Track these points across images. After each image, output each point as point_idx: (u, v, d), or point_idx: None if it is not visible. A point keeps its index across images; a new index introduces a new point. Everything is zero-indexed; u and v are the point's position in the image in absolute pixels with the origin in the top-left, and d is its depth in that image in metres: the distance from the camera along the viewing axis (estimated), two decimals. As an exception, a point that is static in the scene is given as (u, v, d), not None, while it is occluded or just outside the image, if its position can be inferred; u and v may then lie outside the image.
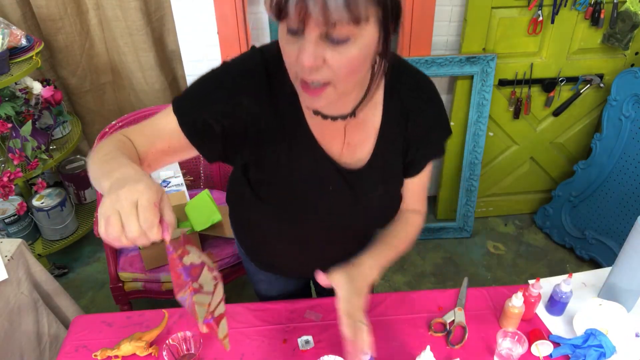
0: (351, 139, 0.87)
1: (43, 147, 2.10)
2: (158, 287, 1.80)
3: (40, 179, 2.17)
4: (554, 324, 1.16)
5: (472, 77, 2.19)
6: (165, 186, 1.95)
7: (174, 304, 1.78)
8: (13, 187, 1.98)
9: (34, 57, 2.00)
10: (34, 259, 1.49)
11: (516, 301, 1.08)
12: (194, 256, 0.71)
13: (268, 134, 0.84)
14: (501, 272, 2.39)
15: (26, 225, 2.20)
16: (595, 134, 2.28)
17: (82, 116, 2.51)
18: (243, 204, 1.03)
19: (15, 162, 1.98)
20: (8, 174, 1.94)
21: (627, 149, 2.13)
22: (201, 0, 1.94)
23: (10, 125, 1.95)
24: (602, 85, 2.26)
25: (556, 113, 2.35)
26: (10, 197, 2.06)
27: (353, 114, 0.83)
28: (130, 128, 0.83)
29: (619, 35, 2.10)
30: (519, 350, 1.02)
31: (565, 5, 2.05)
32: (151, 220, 0.59)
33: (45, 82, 2.20)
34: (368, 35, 0.66)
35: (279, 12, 0.63)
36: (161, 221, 0.62)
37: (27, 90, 2.12)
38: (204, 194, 1.94)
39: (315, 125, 0.85)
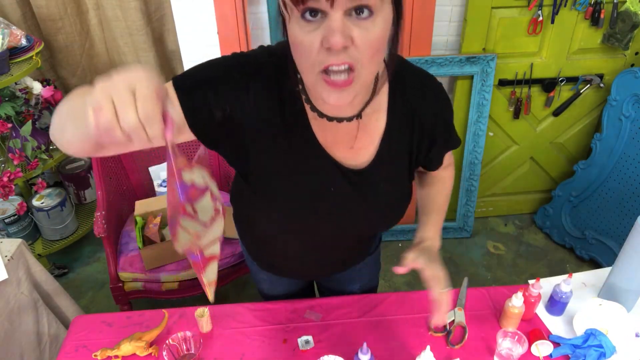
0: (355, 142, 0.86)
1: (43, 147, 2.10)
2: (158, 287, 1.80)
3: (40, 179, 2.17)
4: (554, 324, 1.16)
5: (472, 77, 2.19)
6: (165, 186, 1.94)
7: (174, 304, 1.79)
8: (13, 187, 1.98)
9: (34, 57, 2.00)
10: (34, 259, 1.49)
11: (516, 301, 1.08)
12: (198, 176, 0.59)
13: (270, 131, 0.82)
14: (501, 272, 2.39)
15: (26, 225, 2.20)
16: (595, 134, 2.28)
17: (82, 116, 2.51)
18: (244, 204, 1.03)
19: (15, 162, 1.98)
20: (8, 174, 1.94)
21: (627, 149, 2.13)
22: (201, 0, 1.94)
23: (10, 125, 1.95)
24: (602, 85, 2.26)
25: (556, 113, 2.35)
26: (10, 197, 2.06)
27: (359, 115, 0.82)
28: None
29: (619, 35, 2.10)
30: (519, 350, 1.02)
31: (565, 5, 2.05)
32: (151, 110, 0.50)
33: (45, 82, 2.20)
34: (386, 11, 0.66)
35: None
36: (164, 117, 0.53)
37: (27, 90, 2.12)
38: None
39: (319, 127, 0.84)
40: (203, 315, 1.11)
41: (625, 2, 2.03)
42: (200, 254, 0.60)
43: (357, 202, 0.91)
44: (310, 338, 1.12)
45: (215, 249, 0.63)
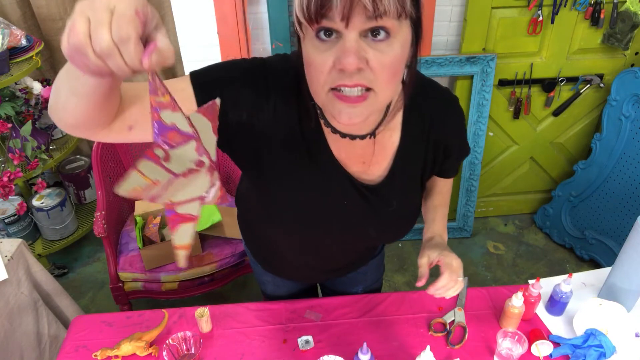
0: (368, 158, 0.85)
1: (43, 147, 2.10)
2: (158, 287, 1.80)
3: (40, 179, 2.17)
4: (554, 324, 1.16)
5: (472, 77, 2.19)
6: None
7: (174, 303, 1.78)
8: (13, 187, 1.98)
9: (34, 57, 2.00)
10: (34, 259, 1.49)
11: (516, 301, 1.08)
12: (182, 119, 0.49)
13: (287, 143, 0.80)
14: (501, 272, 2.39)
15: (26, 225, 2.20)
16: (595, 134, 2.28)
17: (82, 116, 2.51)
18: (251, 209, 1.02)
19: (15, 162, 1.98)
20: (8, 174, 1.94)
21: (627, 149, 2.13)
22: (201, 0, 1.94)
23: (10, 125, 1.95)
24: (602, 85, 2.26)
25: (556, 113, 2.35)
26: (10, 197, 2.06)
27: (373, 134, 0.81)
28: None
29: (619, 35, 2.10)
30: (519, 350, 1.02)
31: (565, 5, 2.05)
32: (126, 30, 0.44)
33: (45, 82, 2.20)
34: (405, 34, 0.63)
35: (321, 8, 0.58)
36: (150, 44, 0.47)
37: (27, 90, 2.12)
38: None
39: (334, 142, 0.83)
40: (203, 316, 1.11)
41: (625, 2, 2.03)
42: (173, 209, 0.52)
43: (368, 217, 0.90)
44: (310, 338, 1.12)
45: (193, 208, 0.53)
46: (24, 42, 1.98)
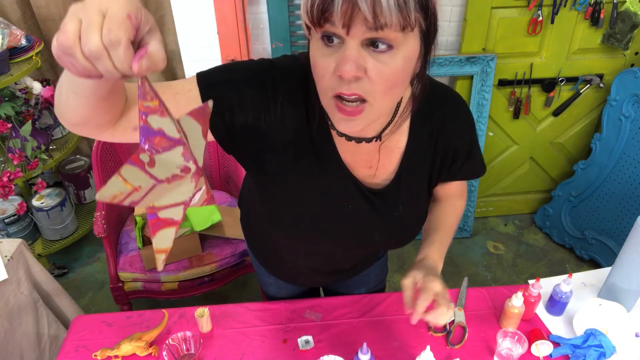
0: (375, 162, 0.85)
1: (43, 147, 2.10)
2: (158, 287, 1.80)
3: (40, 179, 2.17)
4: (554, 324, 1.16)
5: (472, 77, 2.19)
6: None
7: (174, 303, 1.78)
8: (13, 187, 1.98)
9: (34, 57, 2.00)
10: (34, 259, 1.49)
11: (516, 301, 1.08)
12: (170, 125, 0.48)
13: (295, 145, 0.80)
14: (501, 272, 2.39)
15: (26, 225, 2.20)
16: (595, 134, 2.28)
17: (82, 116, 2.51)
18: (254, 211, 1.01)
19: (15, 162, 1.98)
20: (8, 174, 1.94)
21: (627, 149, 2.13)
22: (201, 0, 1.94)
23: (10, 125, 1.95)
24: (602, 85, 2.26)
25: (556, 113, 2.35)
26: (10, 197, 2.06)
27: (379, 137, 0.80)
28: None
29: (618, 35, 2.10)
30: (519, 350, 1.02)
31: (565, 5, 2.05)
32: (117, 33, 0.43)
33: (45, 82, 2.20)
34: (410, 46, 0.62)
35: (323, 12, 0.58)
36: (141, 49, 0.46)
37: (27, 90, 2.12)
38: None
39: (340, 145, 0.82)
40: (203, 315, 1.11)
41: (625, 2, 2.03)
42: (155, 213, 0.52)
43: (373, 222, 0.89)
44: (310, 338, 1.12)
45: (175, 213, 0.52)
46: (24, 42, 1.98)
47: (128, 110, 0.67)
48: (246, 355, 1.09)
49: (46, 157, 2.09)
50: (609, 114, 2.18)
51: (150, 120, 0.47)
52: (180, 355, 1.05)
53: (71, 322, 1.17)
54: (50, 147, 2.18)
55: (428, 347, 1.00)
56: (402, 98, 0.79)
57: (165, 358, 1.00)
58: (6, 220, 2.11)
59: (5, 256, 1.37)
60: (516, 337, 1.04)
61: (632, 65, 2.24)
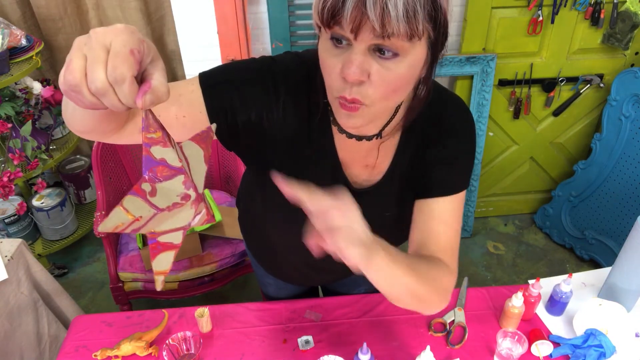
0: (372, 161, 0.85)
1: (43, 147, 2.10)
2: (158, 287, 1.80)
3: (40, 179, 2.17)
4: (554, 324, 1.16)
5: (472, 77, 2.19)
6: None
7: (174, 303, 1.78)
8: (13, 187, 1.98)
9: (34, 57, 2.00)
10: (34, 259, 1.49)
11: (516, 301, 1.08)
12: (172, 154, 0.50)
13: (295, 143, 0.80)
14: (501, 272, 2.39)
15: (26, 225, 2.20)
16: (595, 134, 2.28)
17: (82, 116, 2.51)
18: (252, 210, 1.01)
19: (15, 162, 1.98)
20: (8, 174, 1.94)
21: (627, 149, 2.13)
22: (201, 0, 1.94)
23: (10, 125, 1.95)
24: (602, 85, 2.26)
25: (556, 113, 2.35)
26: (10, 197, 2.06)
27: (379, 135, 0.81)
28: None
29: (619, 35, 2.10)
30: (519, 350, 1.02)
31: (565, 5, 2.05)
32: (121, 70, 0.44)
33: (45, 82, 2.20)
34: (417, 54, 0.63)
35: (333, 16, 0.59)
36: (145, 84, 0.47)
37: (27, 90, 2.12)
38: (204, 194, 1.93)
39: (339, 141, 0.82)
40: (203, 315, 1.11)
41: (625, 2, 2.03)
42: (155, 238, 0.54)
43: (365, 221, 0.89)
44: (310, 338, 1.12)
45: (175, 238, 0.55)
46: (24, 42, 1.98)
47: (134, 115, 0.68)
48: (246, 355, 1.09)
49: (46, 157, 2.09)
50: (609, 114, 2.18)
51: (153, 150, 0.49)
52: (180, 355, 1.06)
53: (71, 322, 1.17)
54: (51, 147, 2.18)
55: (428, 347, 1.00)
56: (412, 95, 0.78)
57: (165, 358, 1.00)
58: (6, 220, 2.11)
59: (5, 256, 1.37)
60: (516, 337, 1.04)
61: (632, 65, 2.24)
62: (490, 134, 2.38)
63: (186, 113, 0.72)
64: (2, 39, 1.88)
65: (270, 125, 0.78)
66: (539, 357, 1.07)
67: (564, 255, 2.48)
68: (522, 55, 2.19)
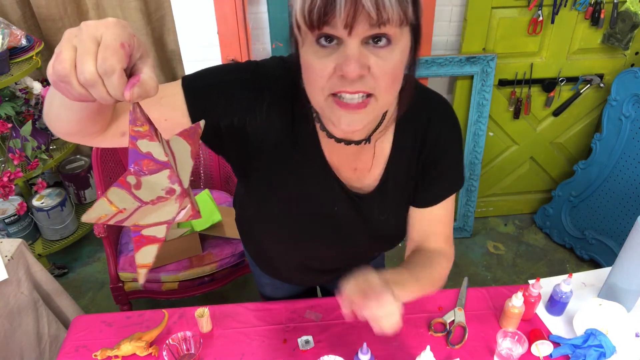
0: (360, 165, 0.85)
1: (43, 147, 2.10)
2: (158, 287, 1.80)
3: (40, 179, 2.17)
4: (554, 324, 1.16)
5: (472, 77, 2.19)
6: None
7: (174, 303, 1.78)
8: (13, 187, 1.98)
9: (34, 57, 2.00)
10: (34, 259, 1.49)
11: (516, 301, 1.08)
12: (158, 148, 0.50)
13: (279, 147, 0.80)
14: (501, 272, 2.39)
15: (26, 225, 2.20)
16: (595, 134, 2.28)
17: (82, 116, 2.51)
18: (247, 211, 1.01)
19: (15, 162, 1.98)
20: (8, 174, 1.94)
21: (627, 149, 2.13)
22: (201, 0, 1.94)
23: (10, 125, 1.95)
24: (602, 85, 2.26)
25: (556, 113, 2.35)
26: (10, 197, 2.06)
27: (368, 140, 0.80)
28: None
29: (619, 35, 2.10)
30: (519, 350, 1.02)
31: (565, 5, 2.05)
32: (111, 62, 0.44)
33: (45, 82, 2.20)
34: (405, 40, 0.63)
35: (324, 15, 0.58)
36: (134, 77, 0.47)
37: (27, 90, 2.12)
38: (204, 194, 1.94)
39: (327, 147, 0.82)
40: (203, 315, 1.11)
41: (625, 2, 2.03)
42: (139, 230, 0.54)
43: (358, 225, 0.89)
44: (310, 338, 1.12)
45: (159, 231, 0.55)
46: (24, 42, 1.99)
47: (117, 117, 0.68)
48: (246, 355, 1.09)
49: (46, 157, 2.09)
50: (609, 114, 2.18)
51: (140, 144, 0.49)
52: (180, 355, 1.06)
53: (71, 322, 1.17)
54: (51, 147, 2.18)
55: (428, 347, 1.00)
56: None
57: (165, 358, 1.00)
58: (6, 220, 2.11)
59: (6, 256, 1.37)
60: (516, 337, 1.04)
61: (632, 65, 2.24)
62: (490, 134, 2.38)
63: (168, 117, 0.72)
64: (2, 39, 1.88)
65: (253, 130, 0.78)
66: (539, 357, 1.07)
67: (564, 255, 2.48)
68: (522, 55, 2.19)
